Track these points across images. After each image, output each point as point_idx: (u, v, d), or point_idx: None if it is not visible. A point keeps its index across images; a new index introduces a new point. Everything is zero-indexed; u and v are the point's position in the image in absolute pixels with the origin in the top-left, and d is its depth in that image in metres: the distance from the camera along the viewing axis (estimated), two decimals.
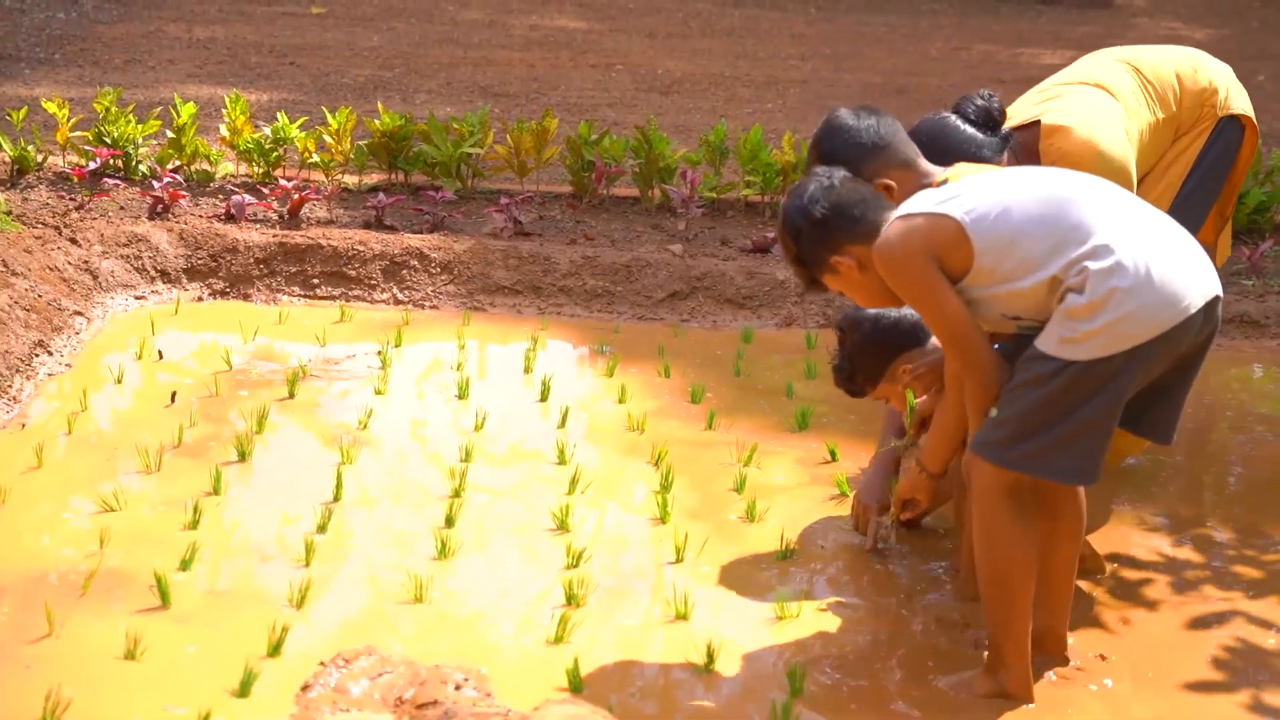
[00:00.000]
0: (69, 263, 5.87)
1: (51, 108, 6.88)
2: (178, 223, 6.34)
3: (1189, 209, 4.28)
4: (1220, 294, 3.33)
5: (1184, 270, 3.25)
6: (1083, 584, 3.91)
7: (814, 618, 3.82)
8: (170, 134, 6.90)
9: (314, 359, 5.43)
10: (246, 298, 6.13)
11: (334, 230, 6.43)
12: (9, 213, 6.07)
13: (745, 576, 4.02)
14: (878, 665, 3.62)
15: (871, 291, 3.55)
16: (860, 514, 4.22)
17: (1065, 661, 3.61)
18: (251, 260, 6.23)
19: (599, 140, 7.05)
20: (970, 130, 4.04)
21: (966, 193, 3.37)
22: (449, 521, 4.20)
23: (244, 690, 3.31)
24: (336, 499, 4.32)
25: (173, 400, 4.98)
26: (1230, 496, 4.83)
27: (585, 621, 3.72)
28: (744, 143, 6.93)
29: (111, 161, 6.80)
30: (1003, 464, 3.32)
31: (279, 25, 11.64)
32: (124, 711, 3.25)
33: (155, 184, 6.58)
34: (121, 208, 6.51)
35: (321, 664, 3.25)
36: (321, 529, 4.13)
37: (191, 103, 7.02)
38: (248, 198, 6.56)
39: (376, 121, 6.98)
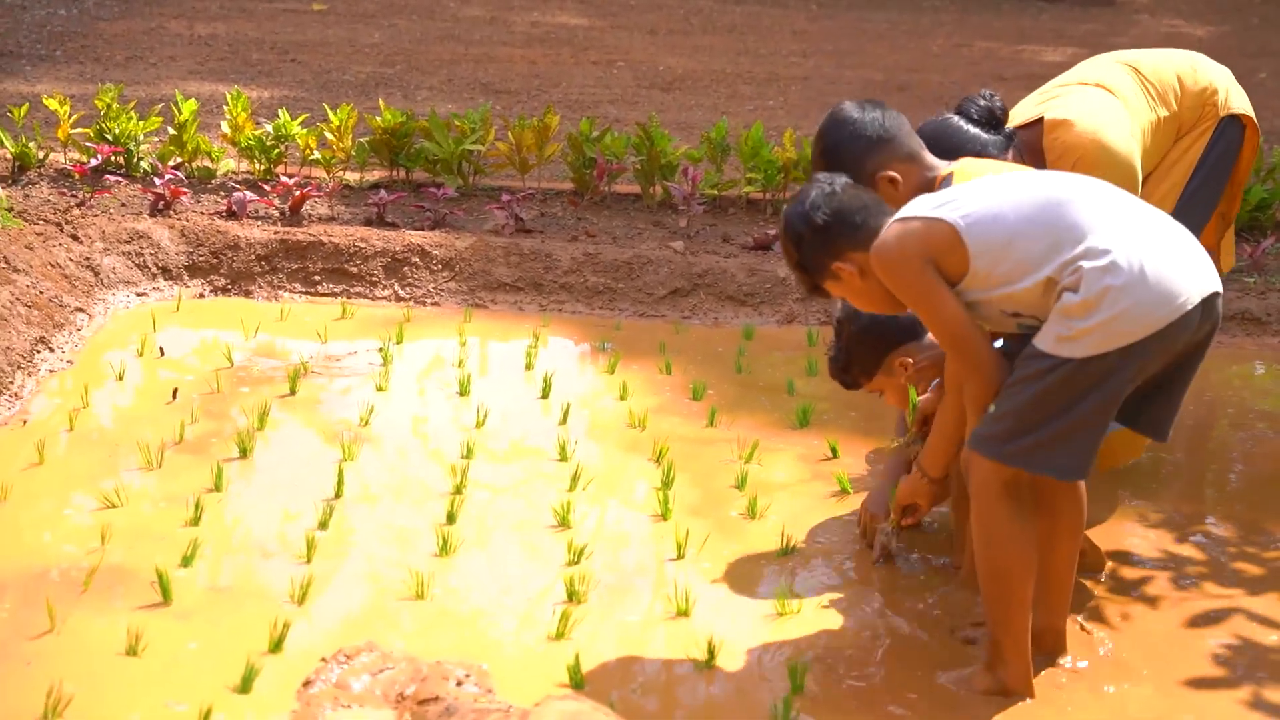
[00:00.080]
0: (70, 259, 5.87)
1: (53, 104, 6.89)
2: (179, 219, 6.34)
3: (1193, 209, 4.29)
4: (1219, 290, 3.33)
5: (1180, 267, 3.26)
6: (1082, 580, 3.91)
7: (815, 614, 3.82)
8: (172, 131, 6.91)
9: (315, 356, 5.43)
10: (248, 294, 6.13)
11: (335, 227, 6.43)
12: (10, 209, 6.07)
13: (746, 573, 4.02)
14: (878, 661, 3.62)
15: (873, 297, 3.58)
16: (867, 523, 4.21)
17: (1065, 658, 3.61)
18: (253, 257, 6.24)
19: (600, 137, 7.06)
20: (973, 130, 4.05)
21: (962, 197, 3.38)
22: (450, 518, 4.20)
23: (245, 686, 3.31)
24: (338, 495, 4.32)
25: (174, 397, 4.98)
26: (1231, 493, 4.83)
27: (586, 618, 3.72)
28: (745, 140, 6.93)
29: (113, 158, 6.81)
30: (999, 459, 3.33)
31: (280, 22, 11.65)
32: (125, 707, 3.25)
33: (157, 181, 6.58)
34: (123, 204, 6.51)
35: (323, 660, 3.26)
36: (323, 525, 4.13)
37: (193, 99, 7.03)
38: (249, 195, 6.57)
39: (378, 118, 6.99)
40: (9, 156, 6.85)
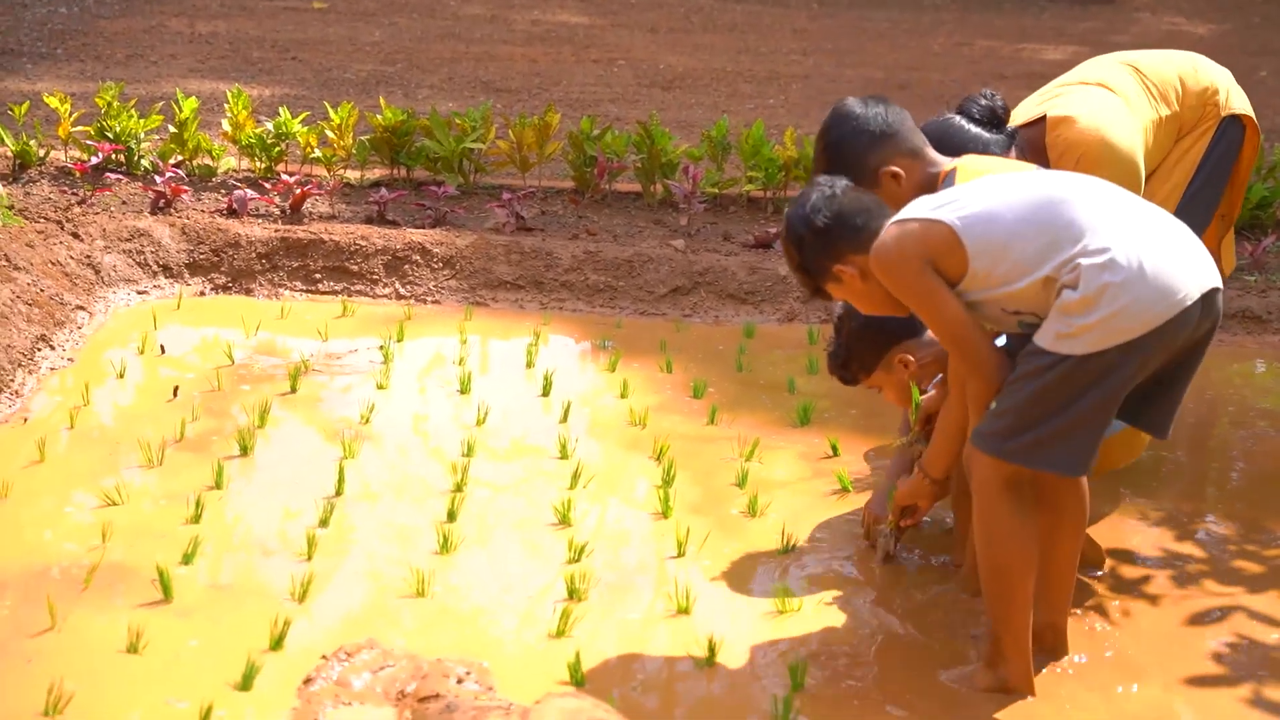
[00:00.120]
0: (71, 257, 5.87)
1: (53, 102, 6.89)
2: (180, 217, 6.34)
3: (1195, 209, 4.29)
4: (1219, 286, 3.33)
5: (1179, 264, 3.26)
6: (1083, 578, 3.91)
7: (815, 612, 3.82)
8: (172, 129, 6.91)
9: (316, 354, 5.44)
10: (249, 292, 6.13)
11: (336, 225, 6.44)
12: (11, 207, 6.07)
13: (747, 571, 4.02)
14: (879, 659, 3.62)
15: (874, 299, 3.58)
16: (871, 525, 4.20)
17: (1066, 656, 3.61)
18: (253, 255, 6.24)
19: (601, 135, 7.06)
20: (975, 130, 4.05)
21: (961, 198, 3.39)
22: (451, 516, 4.20)
23: (246, 684, 3.31)
24: (338, 493, 4.32)
25: (175, 395, 4.98)
26: (1231, 491, 4.83)
27: (587, 616, 3.72)
28: (746, 138, 6.93)
29: (113, 156, 6.81)
30: (1000, 455, 3.33)
31: (281, 20, 11.65)
32: (126, 705, 3.26)
33: (157, 179, 6.59)
34: (124, 202, 6.51)
35: (323, 657, 3.27)
36: (323, 523, 4.13)
37: (193, 98, 7.03)
38: (250, 193, 6.57)
39: (379, 117, 6.99)
40: (10, 154, 6.85)
